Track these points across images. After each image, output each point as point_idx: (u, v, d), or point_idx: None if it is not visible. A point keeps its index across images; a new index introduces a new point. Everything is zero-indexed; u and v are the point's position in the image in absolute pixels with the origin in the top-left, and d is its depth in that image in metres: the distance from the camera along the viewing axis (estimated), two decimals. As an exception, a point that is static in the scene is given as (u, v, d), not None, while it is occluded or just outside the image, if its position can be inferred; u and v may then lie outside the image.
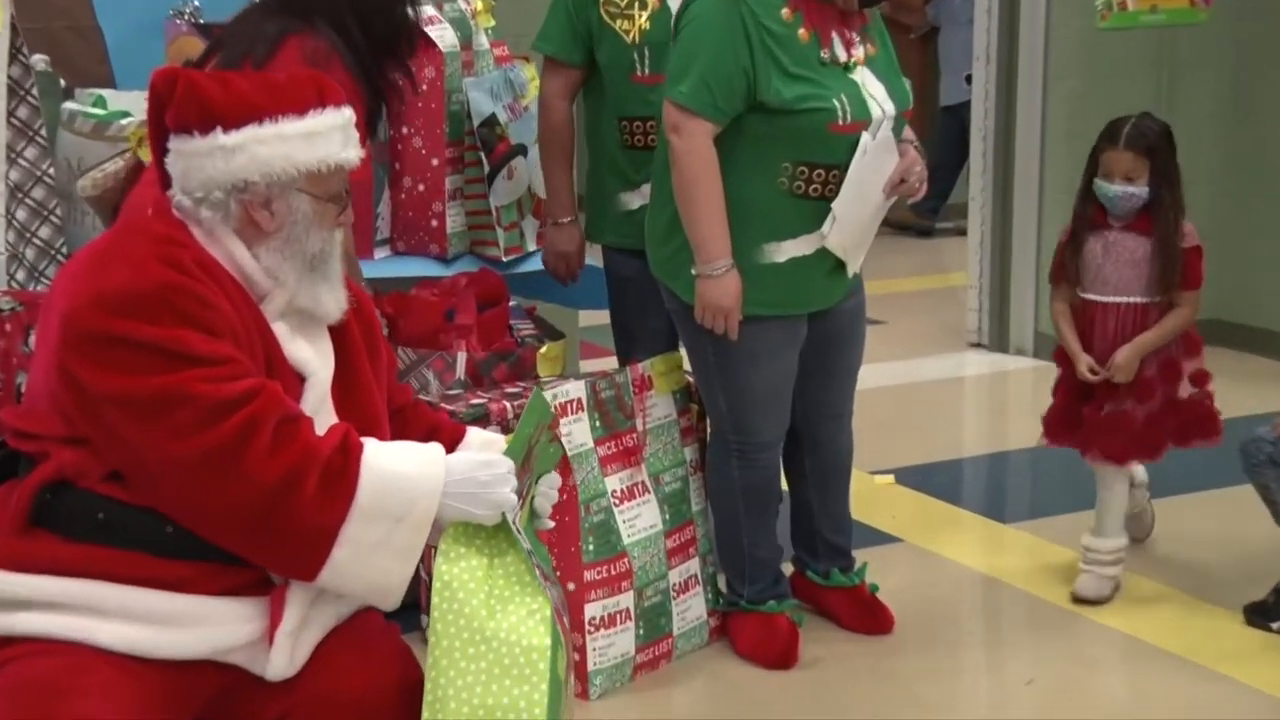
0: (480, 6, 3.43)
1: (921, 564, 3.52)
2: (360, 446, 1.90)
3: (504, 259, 3.32)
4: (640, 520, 2.98)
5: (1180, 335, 3.18)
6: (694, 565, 3.08)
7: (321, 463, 1.85)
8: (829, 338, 2.99)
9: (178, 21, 3.33)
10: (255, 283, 1.97)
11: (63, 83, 3.31)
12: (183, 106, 1.93)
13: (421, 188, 3.26)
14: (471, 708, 1.84)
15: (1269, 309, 5.18)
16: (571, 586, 2.84)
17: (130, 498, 1.86)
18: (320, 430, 1.91)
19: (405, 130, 3.24)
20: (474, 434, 2.21)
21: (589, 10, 3.16)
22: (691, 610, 3.07)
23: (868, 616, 3.14)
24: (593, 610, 2.87)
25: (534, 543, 2.03)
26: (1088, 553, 3.24)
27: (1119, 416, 3.16)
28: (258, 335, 1.94)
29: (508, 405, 2.96)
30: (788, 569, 3.21)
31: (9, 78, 2.90)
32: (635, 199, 3.22)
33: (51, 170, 3.03)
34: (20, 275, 2.96)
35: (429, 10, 3.23)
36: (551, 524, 2.15)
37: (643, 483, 3.01)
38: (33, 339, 2.74)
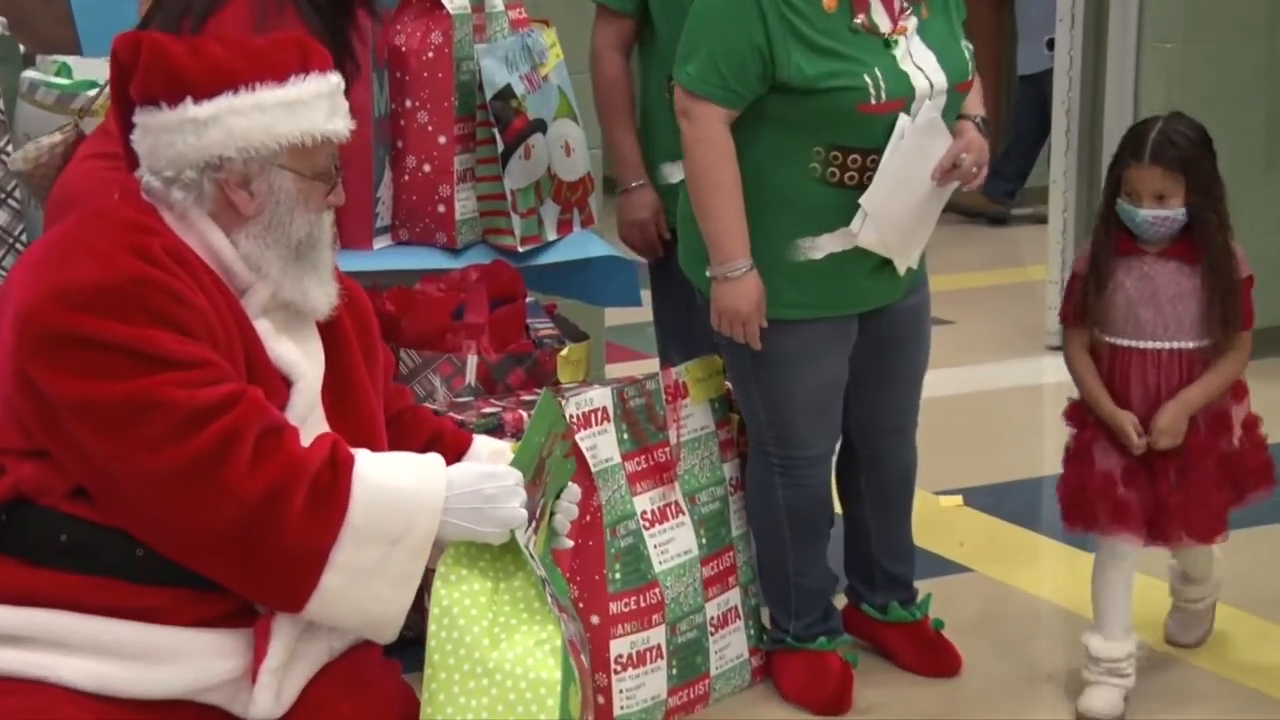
0: (494, -37, 3.44)
1: (993, 597, 3.51)
2: (351, 459, 1.90)
3: (520, 249, 3.32)
4: (673, 545, 2.98)
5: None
6: (734, 596, 3.08)
7: (309, 478, 1.85)
8: (885, 340, 2.99)
9: (152, -21, 3.35)
10: (235, 274, 1.98)
11: (22, 49, 3.34)
12: (148, 75, 1.94)
13: (427, 169, 3.26)
14: None
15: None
16: (596, 620, 2.84)
17: (97, 517, 1.87)
18: (308, 441, 1.92)
19: (408, 103, 3.25)
20: (481, 443, 2.22)
21: None
22: (731, 648, 3.07)
23: (931, 656, 3.14)
24: (619, 647, 2.87)
25: (550, 571, 2.03)
26: (1093, 661, 2.98)
27: (1198, 488, 2.89)
28: (238, 334, 1.95)
29: (524, 415, 2.96)
30: (841, 601, 3.21)
31: (-37, 44, 2.94)
32: (677, 171, 3.22)
33: (10, 148, 3.06)
34: (-25, 266, 2.99)
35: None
36: (570, 543, 2.16)
37: (676, 503, 3.01)
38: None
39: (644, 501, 2.96)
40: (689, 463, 3.04)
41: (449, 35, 3.23)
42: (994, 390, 4.96)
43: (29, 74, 3.21)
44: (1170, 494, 2.90)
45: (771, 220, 2.82)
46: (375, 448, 2.01)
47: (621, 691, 2.88)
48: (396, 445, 2.16)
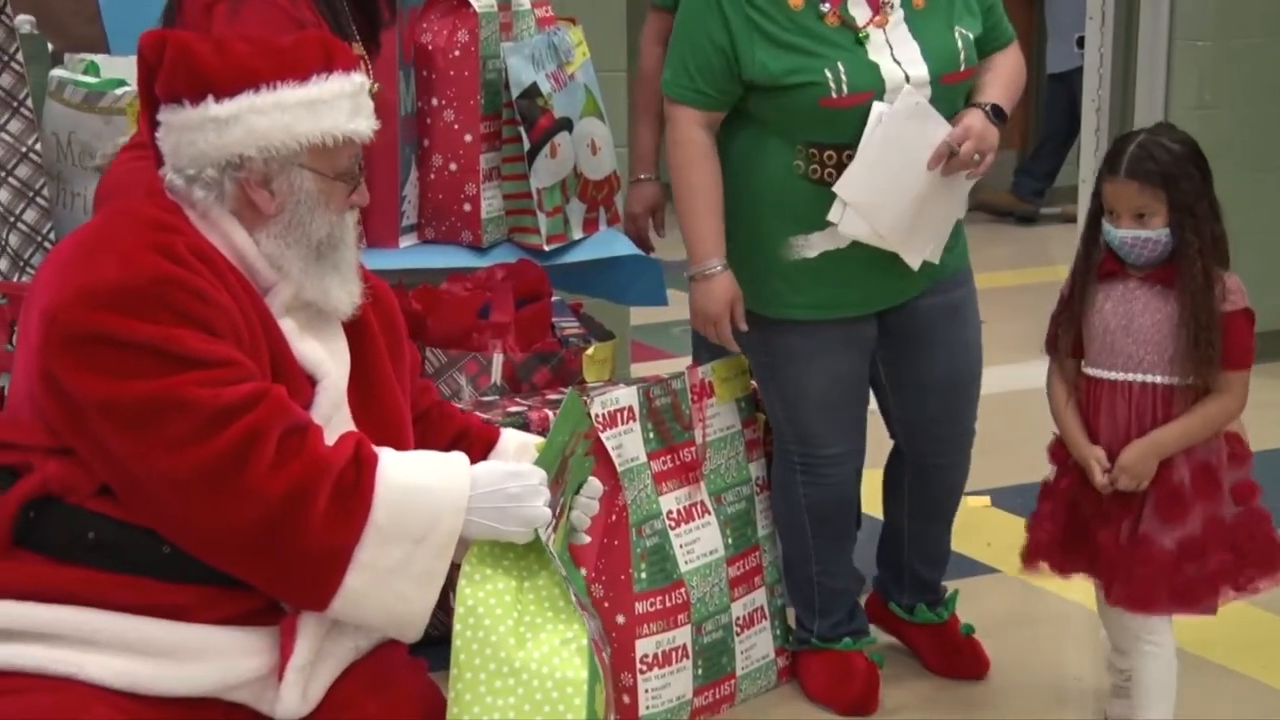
0: (520, -40, 3.44)
1: (1021, 598, 3.50)
2: (375, 458, 1.91)
3: (546, 248, 3.33)
4: (699, 545, 2.98)
5: (1218, 436, 2.63)
6: (760, 597, 3.08)
7: (333, 477, 1.86)
8: (907, 340, 2.96)
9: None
10: (258, 273, 1.99)
11: (50, 47, 3.35)
12: (172, 73, 1.95)
13: (453, 167, 3.27)
14: None
15: None
16: (621, 620, 2.85)
17: (124, 515, 1.88)
18: (333, 439, 1.92)
19: (435, 102, 3.25)
20: (508, 436, 2.22)
21: None
22: (757, 648, 3.07)
23: (957, 658, 3.13)
24: (645, 646, 2.87)
25: (569, 569, 2.03)
26: (1116, 671, 2.81)
27: (1144, 544, 2.61)
28: (262, 332, 1.95)
29: (549, 414, 2.97)
30: (868, 596, 3.21)
31: (-8, 42, 2.96)
32: None
33: (38, 146, 3.07)
34: (3, 264, 3.01)
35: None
36: (588, 538, 2.16)
37: (702, 503, 3.01)
38: (16, 337, 2.78)
39: (670, 501, 2.96)
40: (715, 462, 3.04)
41: (475, 33, 3.24)
42: (1022, 390, 4.92)
43: (57, 72, 3.23)
44: (1110, 545, 2.64)
45: (763, 220, 2.84)
46: (401, 446, 2.01)
47: (647, 691, 2.88)
48: (423, 441, 2.16)
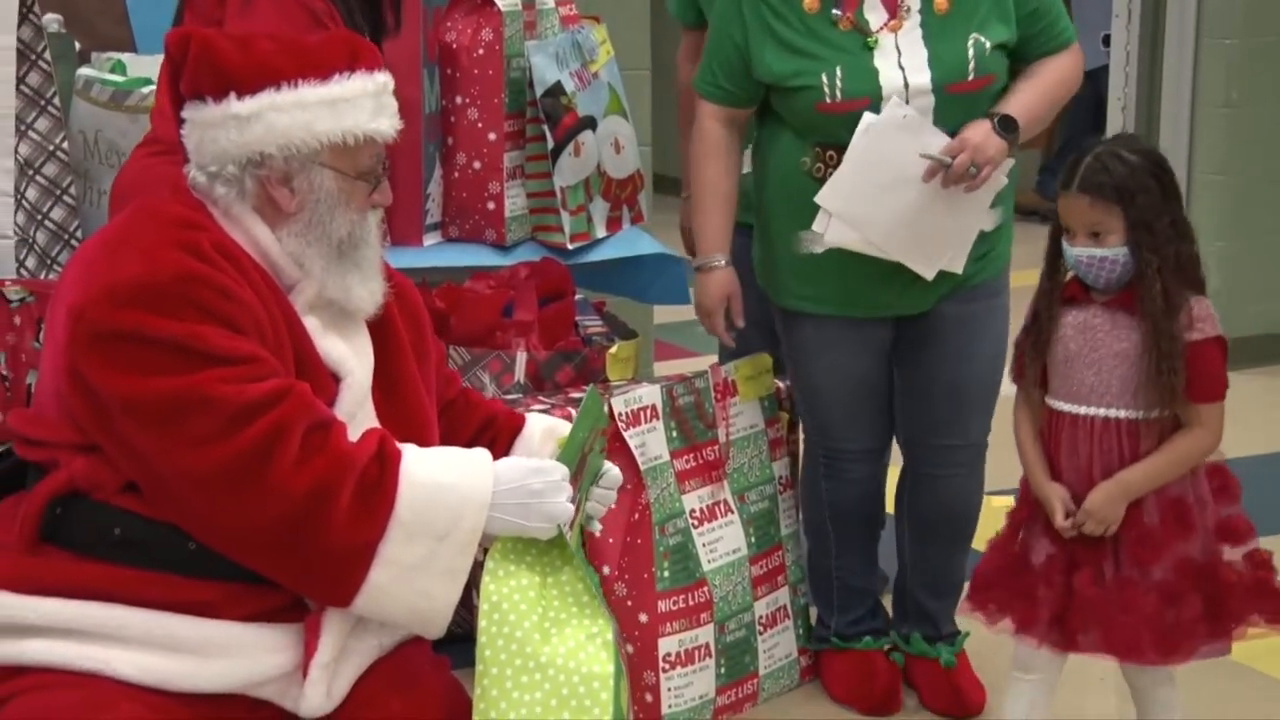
0: (544, -41, 3.45)
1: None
2: (399, 454, 1.91)
3: (569, 247, 3.33)
4: (722, 544, 2.99)
5: (1195, 470, 2.48)
6: (783, 596, 3.08)
7: (356, 473, 1.87)
8: (917, 347, 2.92)
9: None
10: (282, 270, 1.99)
11: (78, 46, 3.37)
12: (195, 70, 1.96)
13: (477, 165, 3.28)
14: None
15: None
16: (644, 618, 2.85)
17: (149, 511, 1.89)
18: (356, 437, 1.93)
19: (459, 100, 3.26)
20: (534, 422, 2.23)
21: None
22: (780, 647, 3.07)
23: (948, 697, 3.01)
24: (668, 645, 2.88)
25: (585, 567, 2.04)
26: None
27: (1128, 588, 2.44)
28: (286, 330, 1.96)
29: (572, 412, 2.97)
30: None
31: (19, 40, 2.96)
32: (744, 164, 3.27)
33: (65, 144, 3.09)
34: (30, 262, 3.02)
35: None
36: (600, 526, 2.16)
37: (725, 501, 3.01)
38: (43, 335, 2.80)
39: (693, 500, 2.96)
40: (738, 461, 3.05)
41: (500, 32, 3.25)
42: (1047, 390, 4.92)
43: (84, 71, 3.25)
44: (1088, 588, 2.46)
45: (775, 213, 2.88)
46: (425, 444, 2.01)
47: (670, 690, 2.88)
48: (450, 431, 2.17)
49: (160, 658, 1.88)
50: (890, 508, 3.18)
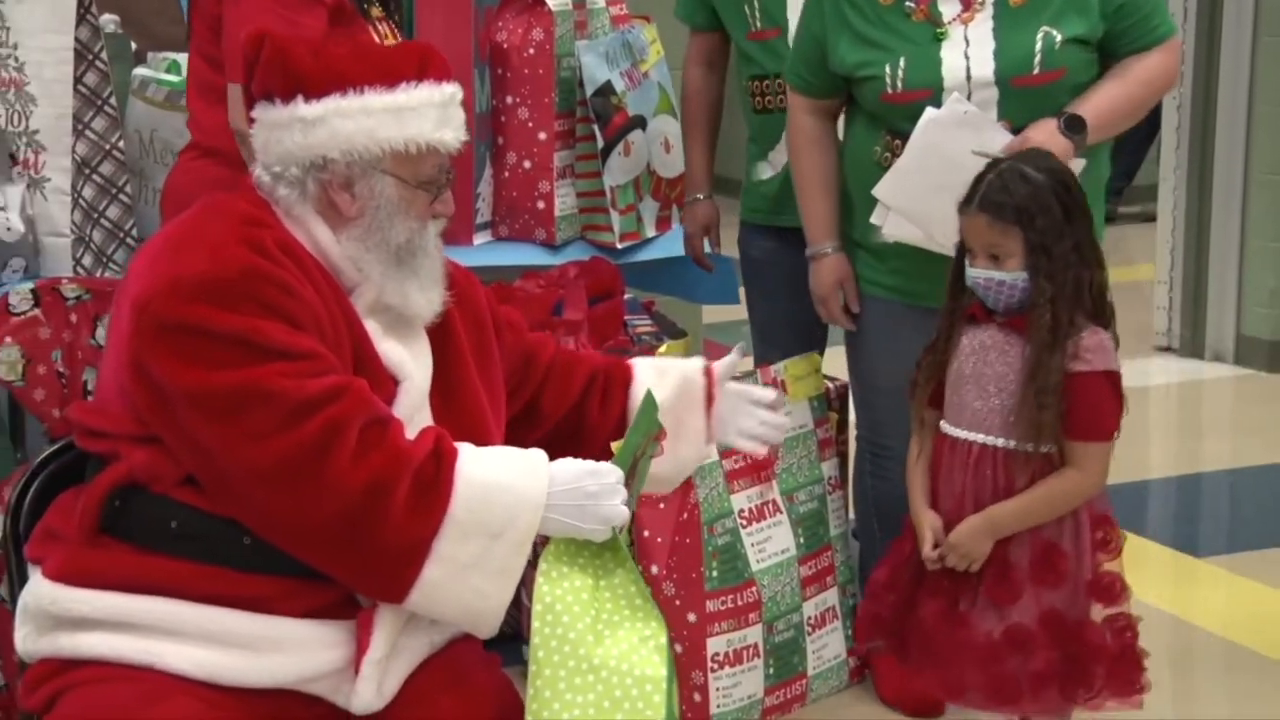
0: (595, -41, 3.47)
1: (1097, 602, 3.48)
2: (455, 452, 1.93)
3: (619, 246, 3.35)
4: (771, 544, 2.99)
5: (1075, 513, 2.33)
6: (832, 596, 3.08)
7: (413, 470, 1.88)
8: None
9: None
10: (343, 272, 2.01)
11: (134, 46, 3.42)
12: (267, 70, 1.98)
13: (527, 165, 3.30)
14: None
15: None
16: (693, 618, 2.86)
17: (207, 505, 1.91)
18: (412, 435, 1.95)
19: (509, 99, 3.28)
20: (641, 368, 2.29)
21: None
22: (828, 648, 3.07)
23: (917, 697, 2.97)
24: (716, 645, 2.88)
25: (636, 569, 2.04)
26: None
27: (962, 625, 2.34)
28: (346, 329, 1.98)
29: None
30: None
31: (76, 40, 3.00)
32: (765, 168, 3.31)
33: (121, 143, 3.13)
34: (87, 260, 3.06)
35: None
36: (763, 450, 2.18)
37: (774, 501, 3.02)
38: (100, 332, 2.84)
39: (741, 500, 2.97)
40: (787, 461, 3.05)
41: (550, 32, 3.26)
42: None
43: (140, 71, 3.29)
44: (931, 619, 2.38)
45: (855, 198, 2.90)
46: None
47: (718, 690, 2.89)
48: (556, 394, 2.23)
49: (213, 652, 1.90)
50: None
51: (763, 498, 3.00)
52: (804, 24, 2.90)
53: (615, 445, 2.07)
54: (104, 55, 3.08)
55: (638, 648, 1.90)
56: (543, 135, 3.29)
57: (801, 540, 3.03)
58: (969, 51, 2.72)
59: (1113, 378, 2.30)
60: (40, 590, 1.95)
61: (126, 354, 1.91)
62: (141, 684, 1.88)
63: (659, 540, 2.86)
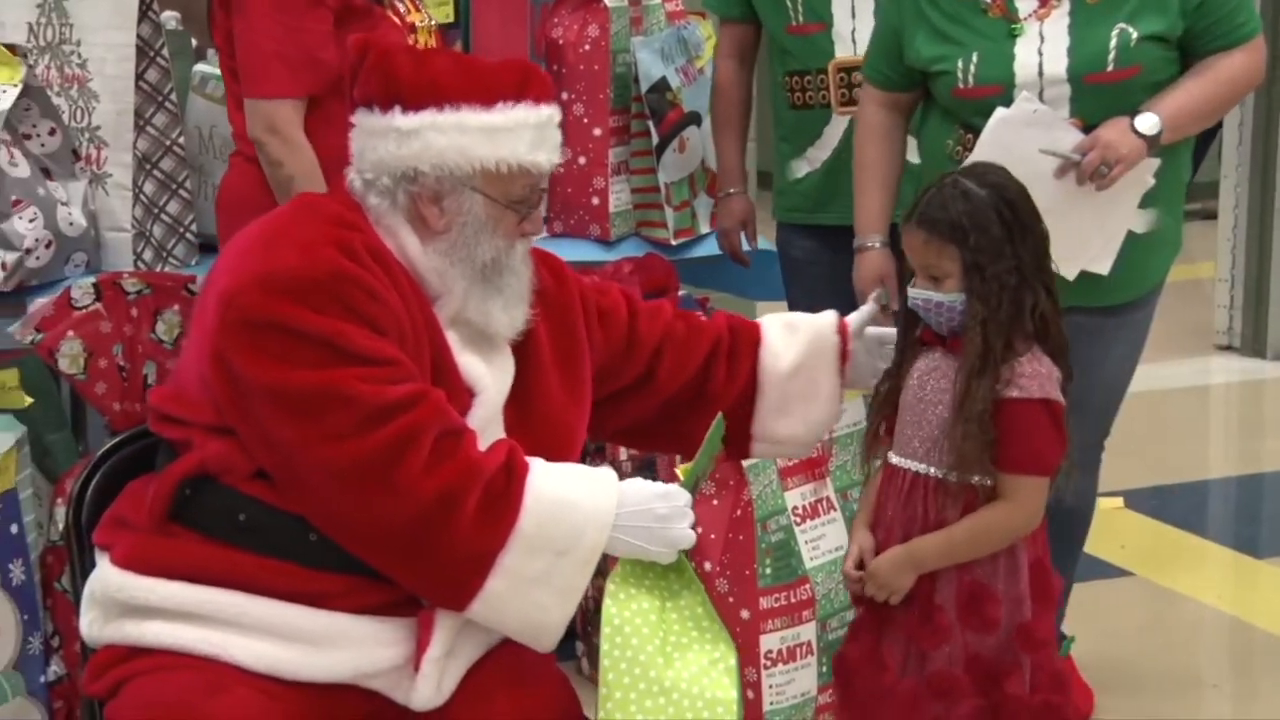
0: (651, -45, 3.48)
1: (1156, 602, 3.49)
2: (526, 467, 1.94)
3: (673, 242, 3.37)
4: (824, 541, 2.99)
5: (1012, 553, 2.18)
6: (886, 596, 3.08)
7: (483, 482, 1.89)
8: None
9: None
10: (428, 282, 2.02)
11: (194, 43, 3.45)
12: (368, 78, 2.00)
13: (582, 161, 3.32)
14: None
15: None
16: (746, 615, 2.87)
17: (275, 500, 1.93)
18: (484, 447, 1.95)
19: (565, 95, 3.30)
20: (770, 326, 2.29)
21: None
22: (882, 647, 3.07)
23: None
24: (769, 642, 2.88)
25: (703, 590, 2.05)
26: None
27: (878, 665, 2.24)
28: (427, 338, 1.99)
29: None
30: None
31: (138, 37, 3.04)
32: (802, 165, 3.30)
33: (181, 139, 3.16)
34: (147, 255, 3.10)
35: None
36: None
37: (827, 498, 3.01)
38: (160, 326, 2.89)
39: (795, 497, 2.96)
40: (840, 459, 3.05)
41: (606, 28, 3.29)
42: (1159, 390, 4.88)
43: (200, 68, 3.32)
44: (853, 657, 2.31)
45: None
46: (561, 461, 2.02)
47: (771, 687, 2.89)
48: (677, 364, 2.23)
49: (275, 645, 1.92)
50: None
51: (816, 495, 3.00)
52: (882, 17, 2.92)
53: (682, 469, 2.07)
54: (165, 52, 3.11)
55: (708, 670, 1.89)
56: (598, 131, 3.31)
57: (856, 538, 3.03)
58: (1043, 48, 2.71)
59: (1051, 407, 2.14)
60: (108, 577, 1.98)
61: (209, 346, 1.93)
62: (204, 674, 1.90)
63: (712, 537, 2.86)
